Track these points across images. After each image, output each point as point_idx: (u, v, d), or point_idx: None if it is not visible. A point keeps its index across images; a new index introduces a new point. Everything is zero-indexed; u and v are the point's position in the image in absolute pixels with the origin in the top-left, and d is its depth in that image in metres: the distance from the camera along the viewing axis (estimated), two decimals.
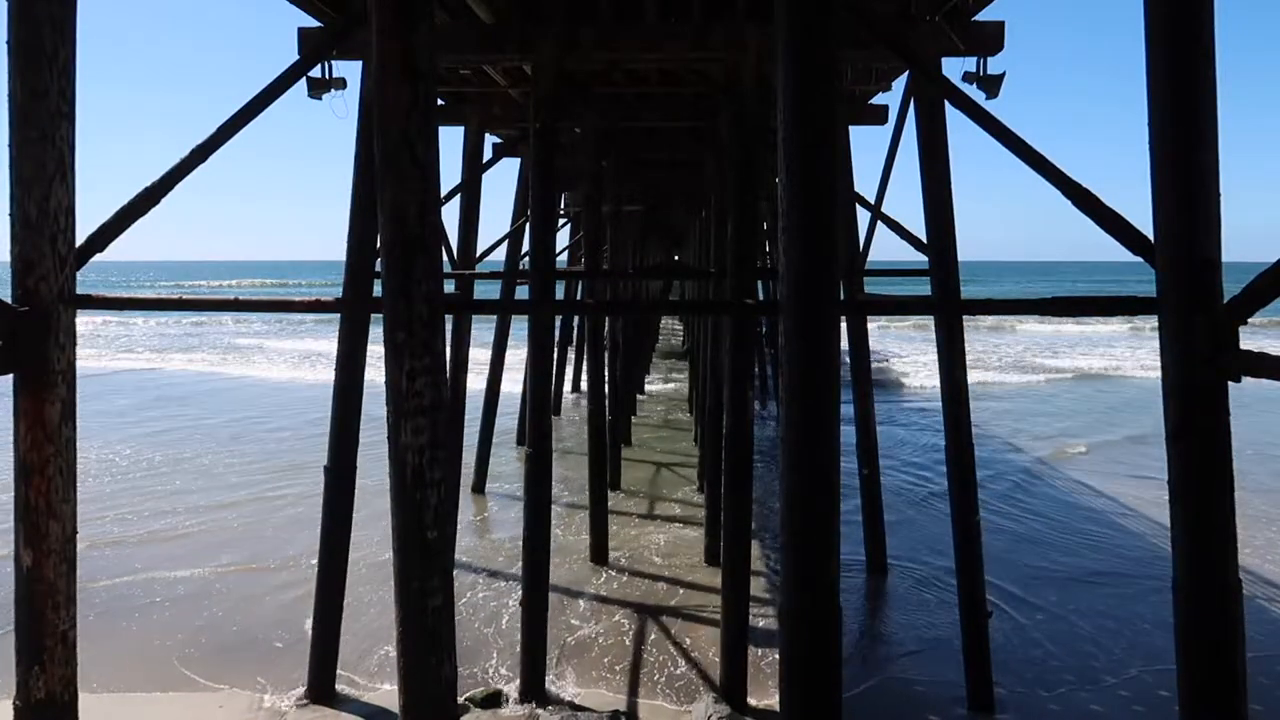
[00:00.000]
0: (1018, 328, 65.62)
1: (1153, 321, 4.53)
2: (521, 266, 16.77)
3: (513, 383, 22.22)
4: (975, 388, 35.95)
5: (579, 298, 25.86)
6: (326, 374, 40.29)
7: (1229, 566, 4.19)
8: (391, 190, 4.74)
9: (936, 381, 9.59)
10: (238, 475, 19.88)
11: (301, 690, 9.52)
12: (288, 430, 25.41)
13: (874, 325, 61.18)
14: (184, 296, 6.76)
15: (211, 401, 31.82)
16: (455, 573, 7.87)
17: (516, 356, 23.45)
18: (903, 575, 13.59)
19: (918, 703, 9.68)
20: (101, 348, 50.80)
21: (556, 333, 22.99)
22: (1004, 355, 49.34)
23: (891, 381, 37.84)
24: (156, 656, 10.60)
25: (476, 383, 17.75)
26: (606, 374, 18.42)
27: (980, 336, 58.12)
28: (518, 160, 18.97)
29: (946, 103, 8.58)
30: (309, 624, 9.70)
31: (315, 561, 9.51)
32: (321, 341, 48.95)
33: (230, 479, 19.49)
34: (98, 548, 14.31)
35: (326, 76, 9.32)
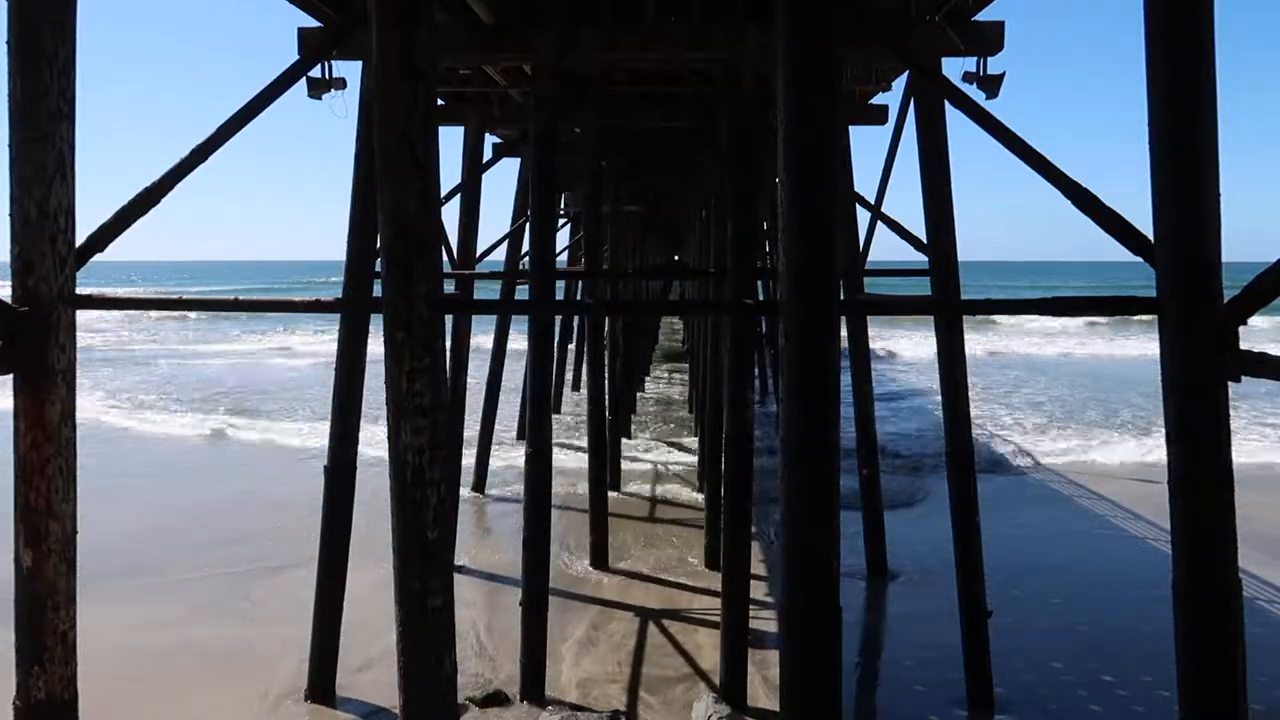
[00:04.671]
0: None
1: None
2: (521, 266, 16.77)
3: (513, 374, 21.85)
4: None
5: (579, 298, 25.84)
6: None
7: (1229, 567, 4.19)
8: (391, 190, 4.74)
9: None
10: None
11: (302, 690, 9.51)
12: None
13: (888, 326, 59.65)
14: (183, 297, 6.78)
15: None
16: (455, 573, 7.86)
17: (517, 346, 23.07)
18: (903, 576, 13.59)
19: (918, 702, 9.67)
20: None
21: (556, 332, 22.99)
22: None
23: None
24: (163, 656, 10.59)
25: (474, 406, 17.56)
26: (606, 374, 18.41)
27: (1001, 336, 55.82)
28: (518, 160, 18.96)
29: (946, 103, 8.57)
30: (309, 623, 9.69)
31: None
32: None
33: None
34: None
35: (326, 76, 9.31)
